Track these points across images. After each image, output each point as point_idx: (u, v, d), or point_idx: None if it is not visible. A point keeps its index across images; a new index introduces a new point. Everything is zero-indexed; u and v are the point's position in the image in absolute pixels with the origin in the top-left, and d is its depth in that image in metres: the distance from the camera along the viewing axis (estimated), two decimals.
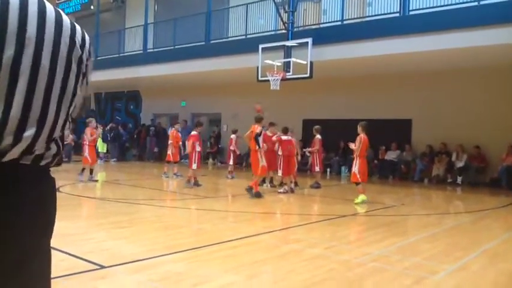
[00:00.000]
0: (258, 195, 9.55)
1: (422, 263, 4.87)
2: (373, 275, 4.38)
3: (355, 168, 9.48)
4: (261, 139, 9.80)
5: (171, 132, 13.75)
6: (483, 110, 13.55)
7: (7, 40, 1.24)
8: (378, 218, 7.97)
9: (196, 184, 11.18)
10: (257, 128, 9.74)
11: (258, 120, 9.86)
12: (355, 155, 9.60)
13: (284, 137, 11.02)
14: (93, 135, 11.93)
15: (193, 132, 11.63)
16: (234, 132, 14.16)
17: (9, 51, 1.24)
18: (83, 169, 11.69)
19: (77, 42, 1.43)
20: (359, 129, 9.59)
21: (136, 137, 21.90)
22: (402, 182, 14.38)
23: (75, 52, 1.43)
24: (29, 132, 1.32)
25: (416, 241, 6.12)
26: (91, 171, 11.77)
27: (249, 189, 9.73)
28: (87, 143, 11.80)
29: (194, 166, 11.26)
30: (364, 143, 9.47)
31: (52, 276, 4.05)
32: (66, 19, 1.41)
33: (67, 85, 1.41)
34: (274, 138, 10.85)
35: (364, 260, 4.87)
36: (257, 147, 9.76)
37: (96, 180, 11.73)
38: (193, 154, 11.32)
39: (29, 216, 1.38)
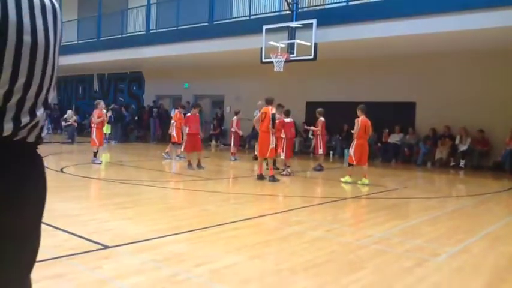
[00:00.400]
0: (274, 179, 9.52)
1: (424, 246, 4.90)
2: (374, 257, 4.41)
3: (351, 150, 9.87)
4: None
5: (175, 113, 13.71)
6: (487, 93, 13.47)
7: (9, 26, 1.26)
8: (380, 200, 7.99)
9: (200, 166, 11.21)
10: (272, 109, 9.70)
11: (270, 101, 9.83)
12: (354, 137, 9.83)
13: (287, 120, 11.01)
14: (101, 117, 11.83)
15: (188, 114, 11.65)
16: (236, 113, 14.08)
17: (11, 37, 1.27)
18: (95, 152, 11.65)
19: (58, 16, 1.46)
20: (358, 112, 9.87)
21: (138, 118, 21.90)
22: (405, 165, 14.38)
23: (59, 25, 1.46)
24: (40, 112, 1.41)
25: (418, 224, 6.14)
26: (94, 154, 11.76)
27: (260, 176, 9.67)
28: (95, 125, 11.78)
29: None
30: (362, 126, 9.63)
31: (56, 255, 4.10)
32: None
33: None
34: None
35: (365, 242, 4.90)
36: (271, 128, 9.65)
37: (100, 162, 11.76)
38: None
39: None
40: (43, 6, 1.39)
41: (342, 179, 9.85)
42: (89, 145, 12.16)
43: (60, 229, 4.85)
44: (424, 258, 4.41)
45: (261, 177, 9.61)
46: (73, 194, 7.23)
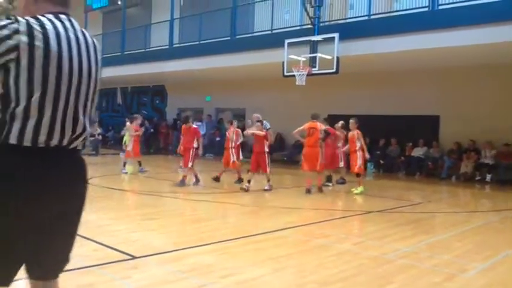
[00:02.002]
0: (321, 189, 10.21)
1: (452, 261, 4.82)
2: (402, 271, 4.36)
3: (359, 161, 10.34)
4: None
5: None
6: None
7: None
8: (405, 214, 7.90)
9: (197, 180, 10.71)
10: (320, 125, 10.26)
11: (316, 116, 10.44)
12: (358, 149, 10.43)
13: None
14: (138, 131, 12.53)
15: (193, 126, 10.97)
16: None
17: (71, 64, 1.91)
18: (125, 163, 12.42)
19: (97, 51, 2.06)
20: (355, 125, 10.45)
21: (153, 130, 22.08)
22: (429, 179, 14.18)
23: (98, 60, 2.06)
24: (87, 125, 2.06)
25: (445, 239, 6.05)
26: (124, 164, 12.43)
27: (308, 191, 9.85)
28: (132, 138, 12.41)
29: (190, 164, 10.48)
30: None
31: (87, 265, 4.18)
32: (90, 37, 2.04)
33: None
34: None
35: (393, 257, 4.84)
36: (322, 142, 10.31)
37: (126, 172, 12.14)
38: (191, 151, 10.49)
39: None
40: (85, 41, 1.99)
41: (356, 191, 10.05)
42: (113, 157, 12.44)
43: (89, 239, 4.92)
44: (452, 273, 4.34)
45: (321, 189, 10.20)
46: (100, 205, 7.33)
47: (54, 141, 1.88)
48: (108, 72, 21.38)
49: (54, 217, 1.94)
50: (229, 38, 16.46)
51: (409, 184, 13.07)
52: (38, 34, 1.79)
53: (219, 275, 3.98)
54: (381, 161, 15.90)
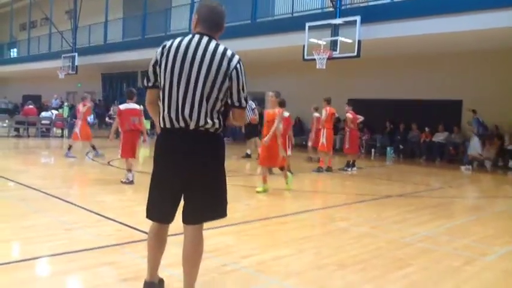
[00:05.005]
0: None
1: (471, 245, 4.81)
2: (422, 254, 4.37)
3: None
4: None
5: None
6: None
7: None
8: (425, 199, 7.87)
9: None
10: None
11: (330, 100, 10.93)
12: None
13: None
14: (86, 111, 11.67)
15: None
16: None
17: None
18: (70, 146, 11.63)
19: (224, 60, 2.68)
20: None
21: None
22: (450, 164, 14.03)
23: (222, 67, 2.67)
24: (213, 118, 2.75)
25: (465, 223, 6.02)
26: (69, 148, 11.58)
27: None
28: (80, 120, 11.54)
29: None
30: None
31: (111, 244, 4.28)
32: (220, 48, 2.71)
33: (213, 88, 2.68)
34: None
35: (412, 240, 4.85)
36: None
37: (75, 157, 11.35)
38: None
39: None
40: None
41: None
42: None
43: (111, 219, 5.05)
44: (472, 257, 4.33)
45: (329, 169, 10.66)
46: (121, 186, 7.47)
47: None
48: (129, 56, 21.57)
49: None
50: (249, 21, 16.39)
51: (429, 169, 12.96)
52: None
53: (240, 255, 4.05)
54: (401, 146, 15.78)
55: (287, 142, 8.12)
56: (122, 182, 7.70)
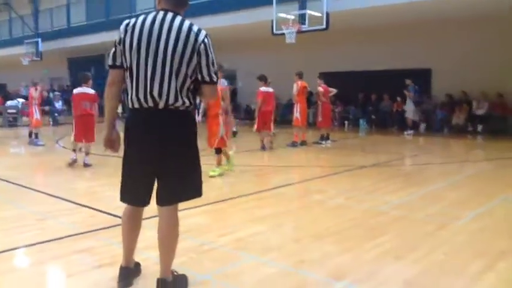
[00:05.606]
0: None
1: (445, 210, 4.91)
2: (396, 222, 4.44)
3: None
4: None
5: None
6: (506, 57, 13.18)
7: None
8: (397, 168, 7.99)
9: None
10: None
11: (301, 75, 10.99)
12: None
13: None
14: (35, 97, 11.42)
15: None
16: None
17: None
18: (36, 134, 11.41)
19: (191, 35, 2.62)
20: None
21: None
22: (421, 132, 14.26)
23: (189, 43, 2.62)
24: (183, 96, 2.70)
25: (437, 189, 6.14)
26: (36, 135, 11.38)
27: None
28: (32, 106, 11.35)
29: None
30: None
31: (84, 230, 4.20)
32: (186, 24, 2.64)
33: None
34: None
35: (386, 209, 4.92)
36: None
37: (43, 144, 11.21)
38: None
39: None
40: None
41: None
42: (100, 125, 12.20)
43: (84, 206, 4.96)
44: (445, 222, 4.42)
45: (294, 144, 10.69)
46: (91, 172, 7.35)
47: None
48: (93, 39, 21.01)
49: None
50: None
51: (401, 138, 13.15)
52: None
53: (217, 233, 4.04)
54: (373, 116, 15.95)
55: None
56: (68, 164, 7.75)
